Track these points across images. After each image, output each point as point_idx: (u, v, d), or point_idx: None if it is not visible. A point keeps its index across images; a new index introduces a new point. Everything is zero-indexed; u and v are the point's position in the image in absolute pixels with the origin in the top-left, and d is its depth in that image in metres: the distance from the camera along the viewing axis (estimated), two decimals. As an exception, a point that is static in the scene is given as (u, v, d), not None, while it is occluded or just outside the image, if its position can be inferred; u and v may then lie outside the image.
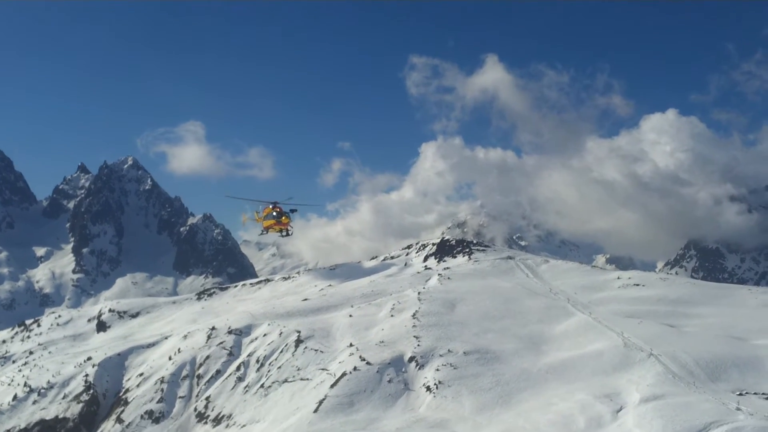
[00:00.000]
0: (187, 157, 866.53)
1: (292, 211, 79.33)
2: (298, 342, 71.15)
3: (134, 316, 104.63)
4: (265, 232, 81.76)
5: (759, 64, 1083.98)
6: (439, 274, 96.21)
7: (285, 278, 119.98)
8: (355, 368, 59.82)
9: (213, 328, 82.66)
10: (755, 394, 47.71)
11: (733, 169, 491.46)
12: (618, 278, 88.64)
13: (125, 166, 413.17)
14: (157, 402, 71.93)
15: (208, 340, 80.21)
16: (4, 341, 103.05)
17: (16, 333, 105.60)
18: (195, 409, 69.92)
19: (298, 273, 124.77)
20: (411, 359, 61.17)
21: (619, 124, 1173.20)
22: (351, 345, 66.76)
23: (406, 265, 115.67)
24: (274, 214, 78.75)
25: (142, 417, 70.53)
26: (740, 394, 47.56)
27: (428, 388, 55.76)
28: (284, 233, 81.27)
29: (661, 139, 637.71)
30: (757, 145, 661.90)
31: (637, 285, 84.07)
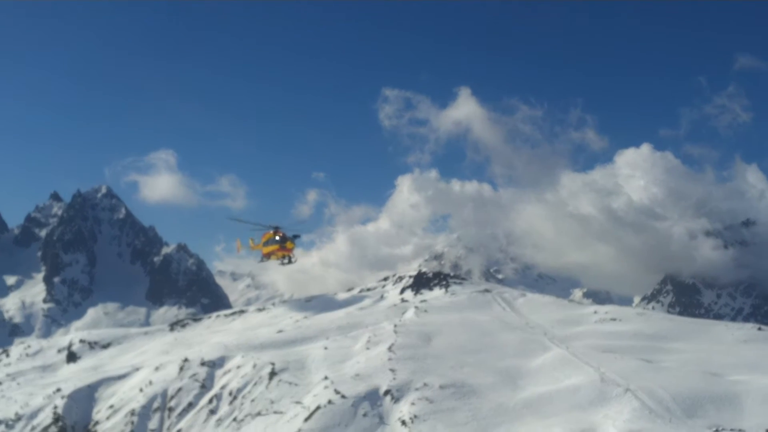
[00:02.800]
0: (159, 186, 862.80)
1: (295, 236, 73.23)
2: (272, 374, 70.21)
3: (105, 346, 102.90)
4: (265, 260, 75.09)
5: (731, 97, 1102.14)
6: (415, 307, 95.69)
7: (260, 309, 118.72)
8: (329, 402, 59.08)
9: (185, 360, 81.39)
10: (731, 430, 47.71)
11: (708, 204, 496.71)
12: (595, 312, 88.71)
13: (99, 194, 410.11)
14: (127, 435, 70.54)
15: (180, 371, 78.93)
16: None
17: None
18: (165, 443, 68.67)
19: (273, 304, 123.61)
20: (386, 393, 60.50)
21: (594, 159, 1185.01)
22: (326, 378, 65.95)
23: (382, 297, 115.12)
24: (277, 239, 71.81)
25: (111, 450, 69.16)
26: (716, 430, 47.50)
27: (403, 423, 55.11)
28: (287, 260, 74.45)
29: (636, 173, 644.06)
30: (731, 180, 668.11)
31: (614, 319, 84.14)
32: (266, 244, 72.40)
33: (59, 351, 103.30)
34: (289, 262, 72.52)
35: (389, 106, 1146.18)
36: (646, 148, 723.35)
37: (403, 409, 57.29)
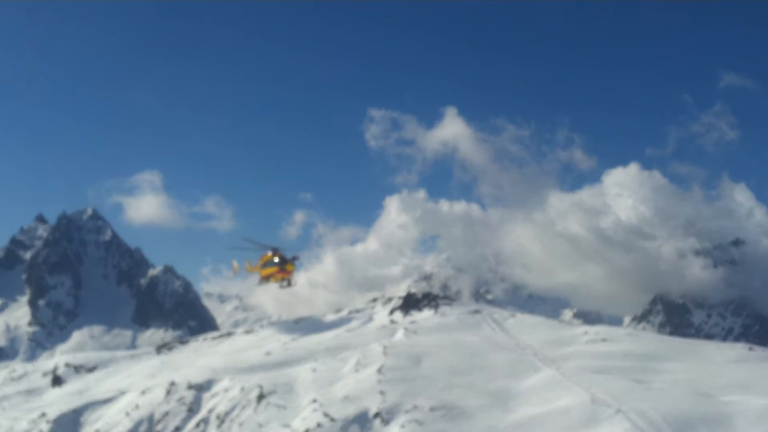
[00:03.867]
0: (145, 207, 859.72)
1: (295, 258, 71.12)
2: (260, 397, 69.64)
3: (91, 370, 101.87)
4: (264, 282, 72.76)
5: (718, 115, 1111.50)
6: (405, 328, 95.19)
7: (247, 332, 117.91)
8: (318, 425, 58.64)
9: (172, 383, 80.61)
10: (725, 451, 47.38)
11: (696, 224, 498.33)
12: (585, 333, 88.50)
13: (84, 216, 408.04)
14: (113, 460, 69.73)
15: (167, 395, 78.15)
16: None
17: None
18: (152, 468, 67.88)
19: (260, 326, 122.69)
20: (376, 415, 60.07)
21: (582, 179, 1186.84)
22: (314, 401, 65.45)
23: (371, 318, 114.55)
24: (276, 260, 69.58)
25: (96, 476, 68.27)
26: (710, 452, 47.22)
27: (394, 446, 54.67)
28: (286, 283, 72.04)
29: (624, 192, 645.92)
30: (719, 200, 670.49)
31: (605, 340, 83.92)
32: (265, 266, 70.06)
33: (44, 375, 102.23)
34: (289, 285, 70.54)
35: (375, 127, 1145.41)
36: (633, 168, 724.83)
37: (393, 431, 56.83)
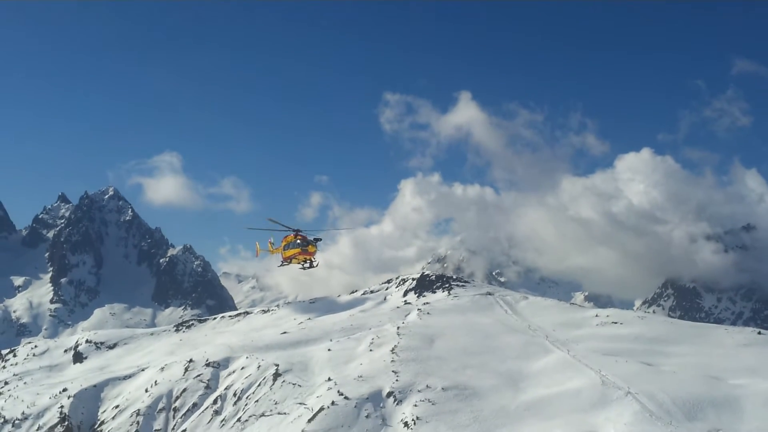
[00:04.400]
0: (164, 188, 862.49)
1: (317, 240, 71.12)
2: (276, 375, 70.84)
3: (111, 347, 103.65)
4: (286, 263, 72.49)
5: (730, 101, 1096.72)
6: (418, 309, 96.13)
7: (264, 311, 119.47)
8: (333, 403, 59.68)
9: (190, 361, 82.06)
10: (731, 433, 48.01)
11: (708, 209, 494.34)
12: (596, 316, 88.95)
13: (106, 196, 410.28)
14: (133, 435, 71.24)
15: (185, 372, 79.61)
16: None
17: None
18: (170, 443, 69.34)
19: (277, 306, 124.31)
20: (389, 394, 61.09)
21: (595, 164, 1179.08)
22: (329, 379, 66.57)
23: (385, 299, 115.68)
24: (298, 242, 69.44)
25: (116, 450, 69.84)
26: (716, 433, 47.87)
27: (406, 424, 55.68)
28: (308, 264, 72.06)
29: (636, 177, 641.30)
30: (730, 185, 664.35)
31: (615, 323, 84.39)
32: (287, 247, 69.76)
33: (66, 351, 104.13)
34: (311, 266, 70.36)
35: (390, 111, 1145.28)
36: (646, 153, 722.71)
37: (406, 410, 57.85)
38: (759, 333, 79.17)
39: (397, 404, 59.34)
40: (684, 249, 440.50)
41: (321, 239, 70.99)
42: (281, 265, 72.50)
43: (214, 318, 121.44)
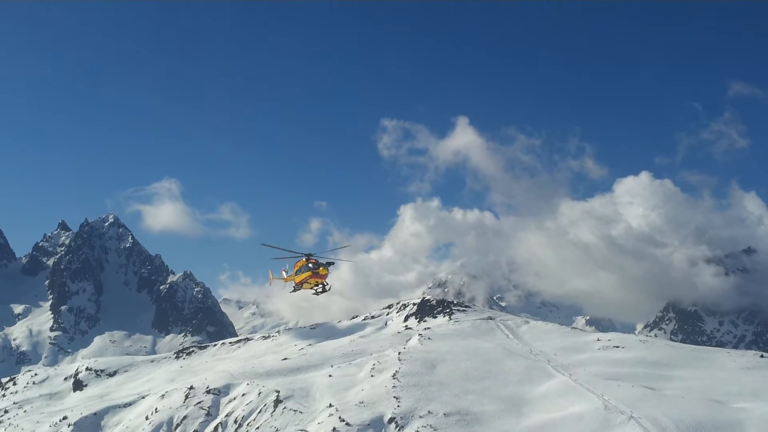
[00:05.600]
0: (163, 215, 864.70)
1: (329, 264, 69.66)
2: (277, 402, 70.61)
3: (111, 374, 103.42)
4: (297, 289, 71.11)
5: (727, 123, 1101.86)
6: (419, 335, 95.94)
7: (265, 337, 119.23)
8: (334, 429, 59.45)
9: (191, 388, 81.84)
10: (734, 457, 47.75)
11: (707, 232, 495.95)
12: (598, 340, 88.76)
13: (106, 223, 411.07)
14: (133, 463, 70.92)
15: (185, 399, 79.38)
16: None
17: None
18: (171, 471, 68.97)
19: (277, 332, 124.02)
20: (391, 420, 60.84)
21: (593, 188, 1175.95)
22: (330, 405, 66.33)
23: (386, 324, 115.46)
24: (310, 266, 68.25)
25: (116, 478, 69.45)
26: (720, 458, 47.60)
27: (408, 450, 55.40)
28: (320, 288, 70.41)
29: (635, 200, 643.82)
30: (729, 208, 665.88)
31: (617, 347, 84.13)
32: (298, 272, 69.41)
33: (66, 379, 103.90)
34: (323, 290, 69.34)
35: (387, 137, 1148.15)
36: (645, 176, 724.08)
37: (408, 436, 57.57)
38: (762, 356, 78.90)
39: (399, 430, 59.07)
40: (684, 272, 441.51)
41: (333, 263, 70.22)
42: (293, 291, 71.91)
43: (215, 345, 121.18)
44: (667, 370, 73.48)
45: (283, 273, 73.78)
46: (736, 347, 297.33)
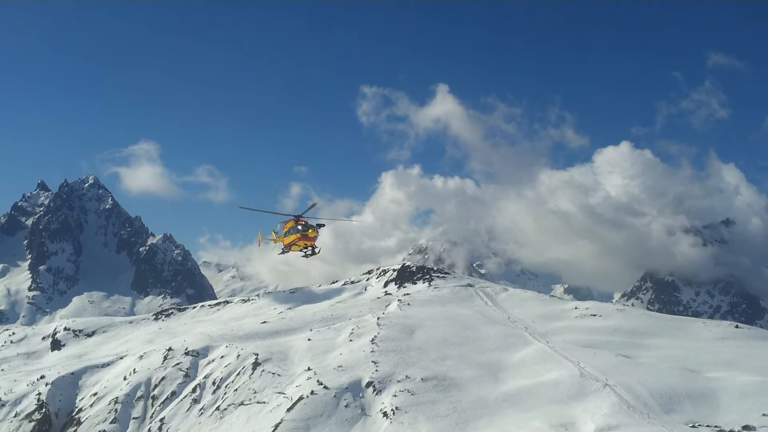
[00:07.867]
0: (141, 177, 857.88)
1: (320, 225, 69.09)
2: (256, 365, 70.68)
3: (90, 335, 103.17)
4: (285, 251, 70.79)
5: (708, 93, 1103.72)
6: (398, 300, 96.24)
7: (244, 300, 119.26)
8: (312, 392, 59.62)
9: (170, 349, 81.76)
10: (708, 426, 48.32)
11: (685, 202, 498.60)
12: (575, 308, 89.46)
13: (86, 185, 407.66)
14: (111, 422, 70.92)
15: (164, 361, 79.30)
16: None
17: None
18: (149, 431, 69.02)
19: (257, 295, 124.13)
20: (369, 384, 61.11)
21: (573, 157, 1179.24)
22: (309, 369, 66.52)
23: (366, 290, 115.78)
24: (299, 227, 67.66)
25: (94, 438, 69.44)
26: (693, 426, 48.18)
27: (385, 414, 55.69)
28: (309, 251, 69.92)
29: (614, 170, 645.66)
30: (708, 179, 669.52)
31: (594, 315, 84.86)
32: (287, 234, 68.61)
33: (44, 338, 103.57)
34: (313, 252, 68.48)
35: (367, 104, 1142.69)
36: (625, 146, 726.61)
37: (385, 400, 57.86)
38: (736, 327, 79.95)
39: (377, 394, 59.35)
40: (662, 242, 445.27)
41: (324, 225, 69.34)
42: (282, 253, 71.35)
43: (194, 307, 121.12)
44: (643, 338, 74.25)
45: (273, 234, 72.93)
46: (711, 317, 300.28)
